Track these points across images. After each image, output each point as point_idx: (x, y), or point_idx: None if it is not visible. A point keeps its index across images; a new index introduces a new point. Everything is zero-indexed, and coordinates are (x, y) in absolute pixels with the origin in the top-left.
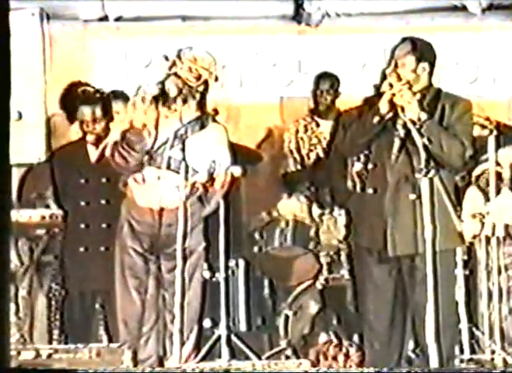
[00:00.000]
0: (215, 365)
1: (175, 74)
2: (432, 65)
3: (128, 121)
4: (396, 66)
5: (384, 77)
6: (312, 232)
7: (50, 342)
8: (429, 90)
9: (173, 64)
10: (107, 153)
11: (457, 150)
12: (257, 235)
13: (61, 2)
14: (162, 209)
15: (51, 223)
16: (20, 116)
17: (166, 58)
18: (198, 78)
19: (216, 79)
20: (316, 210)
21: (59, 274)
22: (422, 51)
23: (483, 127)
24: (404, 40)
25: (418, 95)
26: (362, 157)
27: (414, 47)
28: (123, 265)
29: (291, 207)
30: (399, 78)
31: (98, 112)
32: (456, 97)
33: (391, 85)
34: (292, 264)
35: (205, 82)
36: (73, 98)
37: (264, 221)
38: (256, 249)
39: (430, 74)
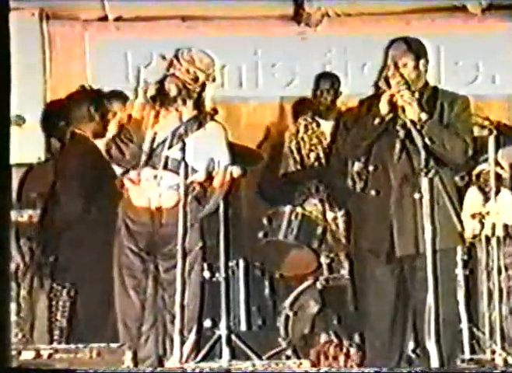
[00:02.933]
0: (216, 365)
1: (173, 75)
2: (427, 62)
3: (126, 116)
4: (397, 67)
5: (384, 78)
6: (319, 231)
7: (50, 342)
8: (426, 89)
9: (171, 64)
10: (103, 149)
11: (459, 147)
12: (265, 220)
13: (60, 2)
14: (158, 208)
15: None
16: (22, 121)
17: (164, 58)
18: (196, 80)
19: (214, 80)
20: (329, 214)
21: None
22: (418, 48)
23: (483, 127)
24: (394, 40)
25: (417, 95)
26: (362, 157)
27: (409, 46)
28: (121, 265)
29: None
30: (402, 77)
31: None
32: (453, 94)
33: (389, 86)
34: (290, 254)
35: (203, 84)
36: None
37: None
38: (261, 234)
39: (426, 72)
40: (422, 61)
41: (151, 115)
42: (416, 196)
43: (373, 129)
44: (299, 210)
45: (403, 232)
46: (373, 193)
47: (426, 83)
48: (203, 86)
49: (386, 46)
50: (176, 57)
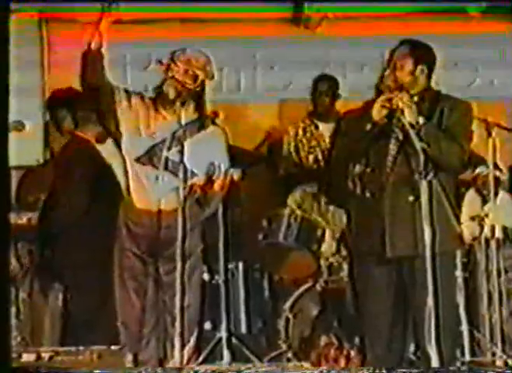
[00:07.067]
0: (217, 367)
1: (172, 77)
2: (430, 68)
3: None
4: (394, 68)
5: (379, 78)
6: (318, 233)
7: (51, 344)
8: (427, 93)
9: (168, 67)
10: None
11: (456, 153)
12: (264, 222)
13: (60, 4)
14: (159, 211)
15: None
16: (21, 126)
17: (160, 62)
18: (195, 79)
19: (212, 77)
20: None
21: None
22: (421, 53)
23: (482, 129)
24: (403, 42)
25: (416, 98)
26: (362, 160)
27: (412, 49)
28: (122, 267)
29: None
30: (396, 81)
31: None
32: (455, 99)
33: (388, 88)
34: (289, 257)
35: (202, 82)
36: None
37: (274, 210)
38: (261, 236)
39: (429, 76)
40: (420, 67)
41: (150, 117)
42: (410, 198)
43: (366, 134)
44: (298, 212)
45: (399, 233)
46: (369, 194)
47: (429, 87)
48: (202, 85)
49: (393, 47)
50: (172, 59)
